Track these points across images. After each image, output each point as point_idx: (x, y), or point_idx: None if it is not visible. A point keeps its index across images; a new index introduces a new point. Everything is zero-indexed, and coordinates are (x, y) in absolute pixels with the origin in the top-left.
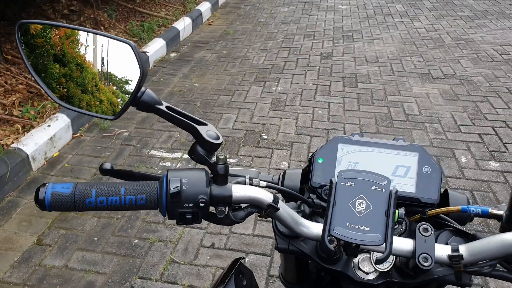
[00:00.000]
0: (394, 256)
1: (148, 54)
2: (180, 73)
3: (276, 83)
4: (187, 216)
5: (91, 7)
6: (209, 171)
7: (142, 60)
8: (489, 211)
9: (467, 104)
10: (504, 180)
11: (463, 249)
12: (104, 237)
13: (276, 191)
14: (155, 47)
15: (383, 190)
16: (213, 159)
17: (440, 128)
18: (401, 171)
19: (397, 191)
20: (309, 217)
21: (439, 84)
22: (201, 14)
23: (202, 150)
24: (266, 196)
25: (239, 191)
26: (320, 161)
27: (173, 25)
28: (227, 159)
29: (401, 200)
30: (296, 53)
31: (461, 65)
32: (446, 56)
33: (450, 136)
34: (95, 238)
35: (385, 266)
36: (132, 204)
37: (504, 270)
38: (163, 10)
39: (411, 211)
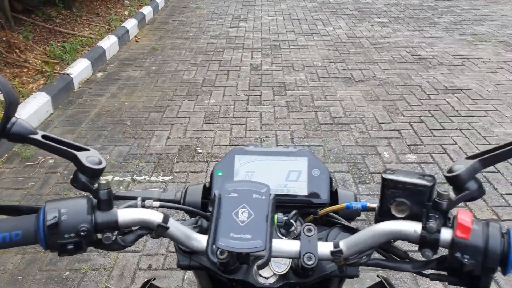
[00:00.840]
0: (290, 259)
1: (72, 75)
2: (108, 92)
3: (209, 96)
4: (69, 247)
5: (2, 28)
6: (92, 198)
7: (6, 88)
8: (367, 205)
9: (387, 103)
10: (421, 170)
11: (343, 244)
12: (30, 274)
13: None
14: (79, 68)
15: (263, 197)
16: (97, 185)
17: (363, 128)
18: (293, 176)
19: (274, 196)
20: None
21: (361, 86)
22: (127, 31)
23: (84, 177)
24: (155, 217)
25: (125, 215)
26: (219, 174)
27: (98, 44)
28: (109, 184)
29: (296, 203)
30: (226, 65)
31: (380, 67)
32: (366, 59)
33: (373, 134)
34: (19, 277)
35: (282, 269)
36: (6, 242)
37: (383, 258)
38: (86, 29)
39: (306, 213)
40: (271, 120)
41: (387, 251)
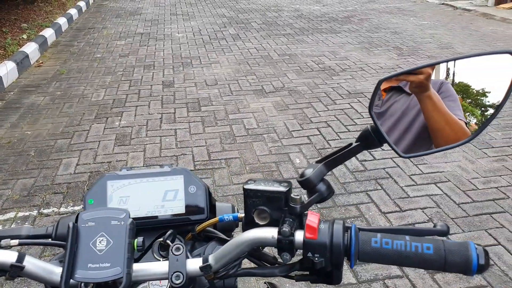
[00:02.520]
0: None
1: None
2: (8, 123)
3: (119, 118)
4: None
5: None
6: None
7: None
8: (238, 216)
9: (296, 111)
10: (330, 173)
11: (211, 258)
12: None
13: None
14: None
15: (122, 223)
16: None
17: (276, 137)
18: (170, 195)
19: (132, 221)
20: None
21: (272, 97)
22: (27, 56)
23: None
24: (7, 257)
25: None
26: (91, 203)
27: None
28: None
29: (174, 222)
30: (137, 84)
31: (288, 77)
32: (275, 71)
33: (285, 142)
34: None
35: None
36: None
37: (253, 266)
38: None
39: (186, 231)
40: (187, 136)
41: (258, 258)
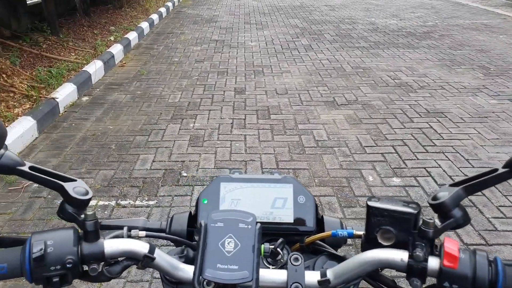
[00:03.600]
0: None
1: (57, 100)
2: (93, 116)
3: (194, 120)
4: (54, 280)
5: None
6: (79, 229)
7: None
8: (353, 233)
9: (370, 126)
10: (406, 194)
11: (330, 273)
12: None
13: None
14: (65, 92)
15: (250, 226)
16: (83, 216)
17: (347, 151)
18: (279, 203)
19: (260, 226)
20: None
21: (344, 110)
22: (113, 56)
23: (70, 208)
24: (142, 247)
25: (111, 245)
26: (204, 202)
27: (83, 69)
28: (95, 215)
29: (281, 231)
30: (211, 89)
31: (362, 91)
32: (348, 84)
33: (357, 157)
34: None
35: None
36: None
37: (371, 287)
38: (73, 54)
39: (292, 241)
40: (256, 143)
41: (375, 279)
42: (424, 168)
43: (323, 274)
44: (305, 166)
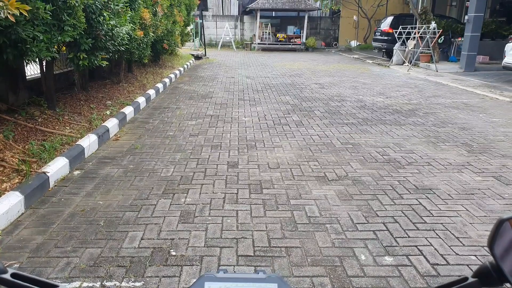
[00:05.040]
0: None
1: (48, 174)
2: (83, 191)
3: (185, 195)
4: None
5: None
6: None
7: None
8: None
9: (360, 203)
10: (399, 273)
11: None
12: None
13: None
14: (57, 166)
15: None
16: None
17: (339, 228)
18: None
19: None
20: None
21: (335, 185)
22: (107, 130)
23: None
24: None
25: None
26: None
27: (77, 143)
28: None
29: None
30: (204, 163)
31: (351, 166)
32: (338, 159)
33: (349, 235)
34: None
35: None
36: None
37: None
38: (67, 128)
39: None
40: (248, 219)
41: None
42: (416, 246)
43: None
44: (298, 244)
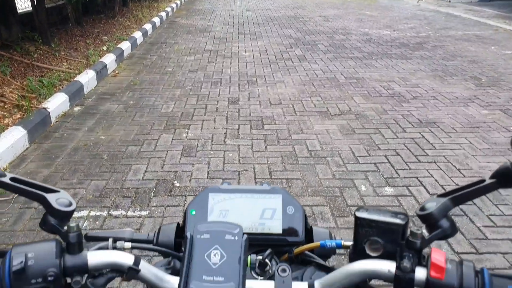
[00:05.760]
0: None
1: (49, 110)
2: (85, 127)
3: (187, 130)
4: None
5: None
6: (62, 241)
7: None
8: (342, 243)
9: (363, 136)
10: (398, 203)
11: (317, 284)
12: None
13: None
14: (57, 102)
15: (236, 238)
16: (66, 228)
17: (340, 161)
18: (268, 214)
19: (247, 237)
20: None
21: (337, 120)
22: (105, 66)
23: (53, 220)
24: (126, 259)
25: (95, 257)
26: (192, 213)
27: (75, 79)
28: (79, 227)
29: (270, 241)
30: (204, 99)
31: (355, 101)
32: (341, 94)
33: (350, 167)
34: None
35: None
36: None
37: None
38: (65, 64)
39: (281, 251)
40: (249, 153)
41: None
42: (416, 177)
43: (311, 285)
44: (298, 176)
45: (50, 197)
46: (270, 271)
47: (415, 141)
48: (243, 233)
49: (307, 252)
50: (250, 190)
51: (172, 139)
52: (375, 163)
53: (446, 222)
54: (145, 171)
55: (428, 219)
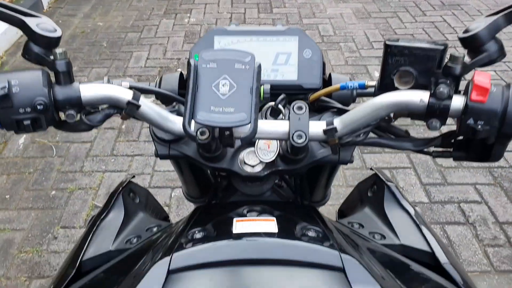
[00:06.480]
0: (278, 146)
1: None
2: (81, 13)
3: (188, 15)
4: (25, 123)
5: None
6: (49, 71)
7: None
8: (365, 83)
9: (379, 21)
10: None
11: (337, 121)
12: (17, 193)
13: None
14: None
15: (247, 67)
16: (52, 57)
17: (354, 47)
18: (282, 59)
19: (260, 65)
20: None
21: (352, 3)
22: None
23: (37, 48)
24: (124, 93)
25: (89, 90)
26: (197, 59)
27: None
28: (66, 54)
29: (284, 89)
30: None
31: None
32: None
33: (363, 53)
34: (6, 196)
35: (269, 157)
36: None
37: (384, 137)
38: None
39: (296, 99)
40: None
41: (386, 131)
42: None
43: (330, 123)
44: None
45: (30, 21)
46: (283, 118)
47: (435, 25)
48: (255, 61)
49: (325, 98)
50: (261, 32)
51: (174, 25)
52: None
53: (494, 45)
54: (147, 58)
55: (473, 42)
